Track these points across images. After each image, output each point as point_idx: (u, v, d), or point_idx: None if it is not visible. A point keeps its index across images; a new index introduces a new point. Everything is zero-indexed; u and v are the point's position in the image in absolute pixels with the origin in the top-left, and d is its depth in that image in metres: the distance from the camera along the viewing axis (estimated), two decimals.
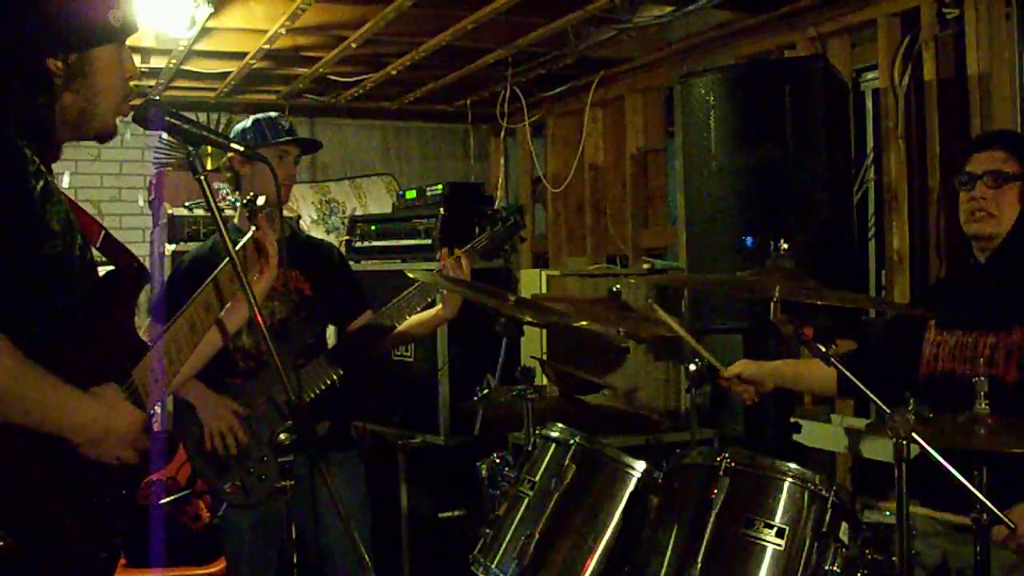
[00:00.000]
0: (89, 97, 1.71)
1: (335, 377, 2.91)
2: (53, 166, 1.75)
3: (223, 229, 1.86)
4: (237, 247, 1.99)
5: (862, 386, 1.97)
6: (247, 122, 3.01)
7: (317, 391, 2.89)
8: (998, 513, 1.78)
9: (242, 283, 1.83)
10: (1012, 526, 1.81)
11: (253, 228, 2.11)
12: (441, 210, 4.33)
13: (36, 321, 1.62)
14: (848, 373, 2.01)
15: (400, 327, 3.01)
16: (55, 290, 1.64)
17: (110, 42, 1.72)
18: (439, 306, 3.01)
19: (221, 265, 1.99)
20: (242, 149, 2.07)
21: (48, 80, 1.66)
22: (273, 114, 3.06)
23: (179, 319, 1.89)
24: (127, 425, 1.67)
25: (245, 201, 2.18)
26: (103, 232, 1.81)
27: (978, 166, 2.39)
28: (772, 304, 2.07)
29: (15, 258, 1.57)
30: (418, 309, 2.98)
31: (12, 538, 1.52)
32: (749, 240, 3.27)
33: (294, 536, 2.65)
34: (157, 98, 5.23)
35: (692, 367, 2.80)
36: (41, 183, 1.63)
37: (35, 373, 1.55)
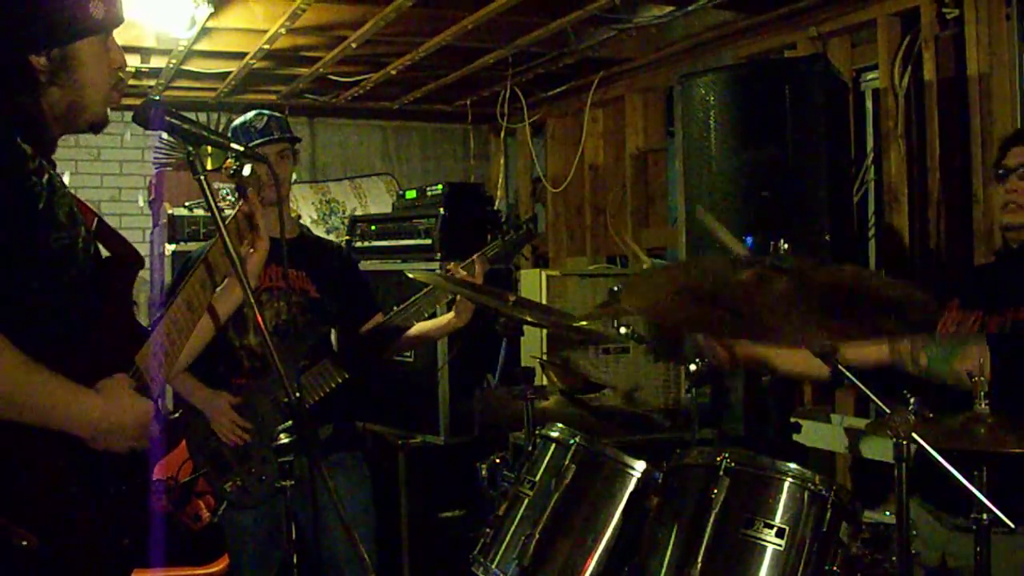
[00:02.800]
0: (76, 90, 1.70)
1: (341, 380, 2.91)
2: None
3: (222, 228, 1.86)
4: (226, 221, 1.99)
5: (861, 386, 1.97)
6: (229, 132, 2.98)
7: (323, 393, 2.88)
8: (998, 513, 1.78)
9: (230, 255, 1.81)
10: (1012, 526, 1.81)
11: (240, 201, 2.10)
12: (441, 210, 4.34)
13: (43, 312, 1.62)
14: (849, 374, 2.01)
15: (410, 335, 3.01)
16: (61, 282, 1.65)
17: (93, 34, 1.71)
18: (452, 313, 3.00)
19: (211, 242, 1.99)
20: (242, 149, 2.07)
21: (32, 77, 1.66)
22: (250, 116, 3.02)
23: (176, 299, 1.89)
24: (134, 418, 1.67)
25: (231, 173, 2.17)
26: (96, 219, 1.81)
27: (1013, 159, 2.39)
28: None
29: (22, 251, 1.58)
30: (426, 314, 2.98)
31: (35, 535, 1.52)
32: (749, 240, 3.27)
33: (294, 536, 2.65)
34: (157, 98, 5.23)
35: (692, 367, 2.79)
36: (46, 176, 1.63)
37: (38, 373, 1.55)
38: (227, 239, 1.81)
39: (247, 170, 2.14)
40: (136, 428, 1.67)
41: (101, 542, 1.64)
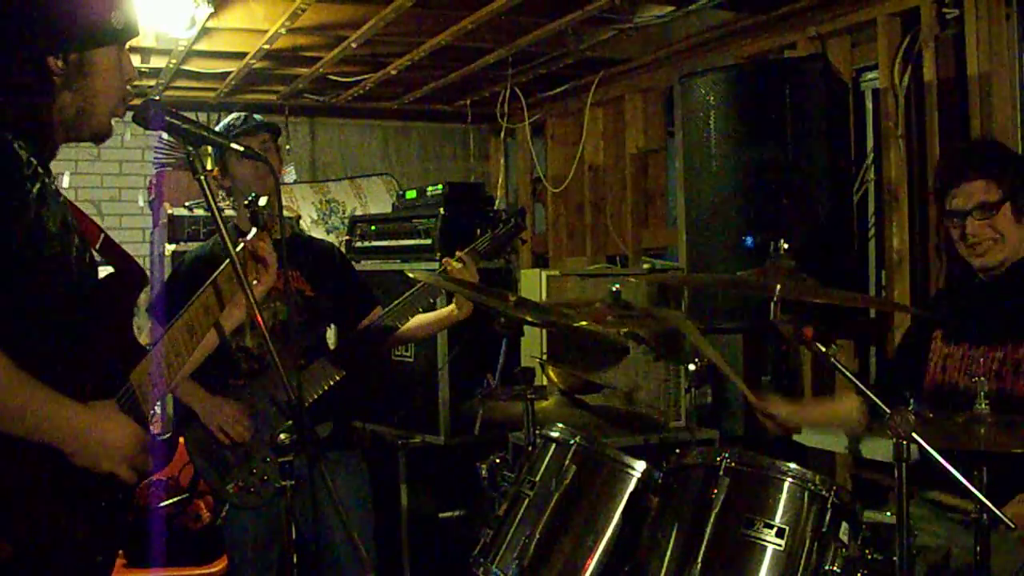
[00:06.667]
0: (88, 97, 1.71)
1: (338, 378, 2.91)
2: (52, 166, 1.75)
3: (223, 229, 1.86)
4: (238, 248, 1.99)
5: (861, 386, 1.97)
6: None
7: (320, 392, 2.88)
8: (998, 513, 1.78)
9: (242, 284, 1.83)
10: (1012, 527, 1.81)
11: (255, 230, 2.10)
12: (441, 210, 4.33)
13: (34, 322, 1.61)
14: (848, 373, 2.01)
15: (409, 327, 3.01)
16: (53, 291, 1.64)
17: (111, 43, 1.73)
18: (452, 306, 3.01)
19: (221, 267, 1.99)
20: (241, 149, 2.07)
21: (48, 78, 1.66)
22: (230, 117, 3.02)
23: (178, 322, 1.88)
24: (122, 438, 1.66)
25: (247, 202, 2.18)
26: (102, 235, 1.81)
27: (965, 201, 2.38)
28: (772, 304, 2.07)
29: (13, 260, 1.57)
30: (420, 310, 2.98)
31: (10, 544, 1.51)
32: (749, 240, 3.27)
33: (294, 536, 2.64)
34: (157, 98, 5.23)
35: (692, 367, 2.79)
36: (37, 185, 1.62)
37: (25, 382, 1.54)
38: (236, 263, 1.82)
39: (263, 201, 2.14)
40: (123, 450, 1.66)
41: (76, 556, 1.63)
